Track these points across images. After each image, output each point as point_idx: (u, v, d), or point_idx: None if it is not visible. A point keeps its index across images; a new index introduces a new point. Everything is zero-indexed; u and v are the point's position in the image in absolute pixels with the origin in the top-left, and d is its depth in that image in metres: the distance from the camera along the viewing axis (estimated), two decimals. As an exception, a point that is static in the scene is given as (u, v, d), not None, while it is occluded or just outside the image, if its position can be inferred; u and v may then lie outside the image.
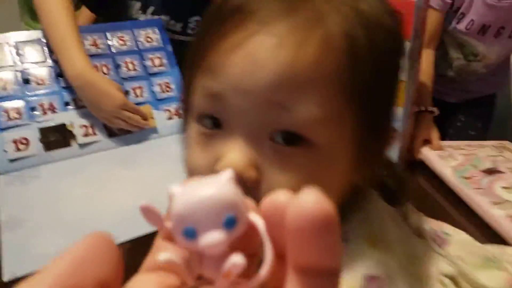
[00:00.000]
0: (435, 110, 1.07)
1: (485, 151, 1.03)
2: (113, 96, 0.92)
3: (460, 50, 1.24)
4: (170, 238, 0.18)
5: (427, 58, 1.11)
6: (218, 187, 0.17)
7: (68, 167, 0.90)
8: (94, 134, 0.95)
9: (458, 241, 0.49)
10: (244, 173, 0.34)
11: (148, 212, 0.18)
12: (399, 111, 0.93)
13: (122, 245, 0.69)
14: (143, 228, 0.68)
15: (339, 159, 0.37)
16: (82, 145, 0.92)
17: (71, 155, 0.91)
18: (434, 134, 1.04)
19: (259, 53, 0.34)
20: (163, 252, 0.17)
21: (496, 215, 0.75)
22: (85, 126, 0.94)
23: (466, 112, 1.40)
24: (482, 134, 1.38)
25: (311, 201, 0.14)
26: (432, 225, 0.50)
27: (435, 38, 1.13)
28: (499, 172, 0.91)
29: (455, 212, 0.83)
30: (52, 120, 0.93)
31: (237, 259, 0.16)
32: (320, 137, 0.35)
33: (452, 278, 0.42)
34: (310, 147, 0.35)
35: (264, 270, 0.16)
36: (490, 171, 0.92)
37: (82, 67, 0.90)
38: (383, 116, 0.40)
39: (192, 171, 0.39)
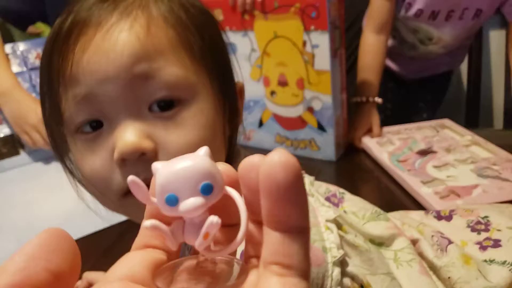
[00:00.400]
0: (379, 100, 1.08)
1: (422, 133, 1.05)
2: (36, 112, 0.94)
3: (414, 35, 1.24)
4: (155, 214, 0.20)
5: (377, 45, 1.11)
6: (195, 159, 0.19)
7: (19, 175, 0.93)
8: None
9: (351, 199, 0.55)
10: (142, 145, 0.38)
11: (135, 186, 0.19)
12: (328, 99, 0.95)
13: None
14: (91, 227, 0.74)
15: (211, 107, 0.42)
16: (30, 153, 0.96)
17: (21, 163, 0.95)
18: (375, 122, 1.06)
19: (107, 44, 0.38)
20: (148, 220, 0.19)
21: (424, 193, 0.78)
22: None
23: (421, 85, 1.41)
24: (431, 107, 1.38)
25: (279, 158, 0.16)
26: (330, 187, 0.56)
27: (386, 26, 1.12)
28: (432, 152, 0.94)
29: (394, 192, 0.86)
30: (1, 131, 0.96)
31: (213, 219, 0.18)
32: (188, 93, 0.40)
33: (336, 222, 0.45)
34: (184, 105, 0.40)
35: (240, 234, 0.18)
36: (424, 152, 0.95)
37: (8, 86, 0.94)
38: (228, 70, 0.47)
39: (94, 177, 0.41)
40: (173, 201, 0.18)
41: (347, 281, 0.41)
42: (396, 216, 0.57)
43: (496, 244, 0.47)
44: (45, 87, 0.43)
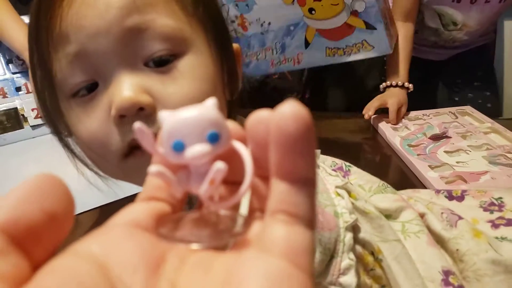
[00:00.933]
0: (410, 86, 1.07)
1: (440, 118, 1.03)
2: None
3: (439, 21, 1.21)
4: (162, 162, 0.19)
5: (405, 32, 1.09)
6: (203, 109, 0.19)
7: (22, 148, 0.92)
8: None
9: (357, 172, 0.53)
10: (140, 99, 0.36)
11: (141, 133, 0.19)
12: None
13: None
14: (88, 203, 0.73)
15: (209, 61, 0.41)
16: (34, 127, 0.95)
17: (24, 137, 0.94)
18: (392, 106, 1.03)
19: None
20: (154, 166, 0.19)
21: (430, 177, 0.76)
22: (36, 109, 0.96)
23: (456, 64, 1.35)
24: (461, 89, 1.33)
25: (291, 109, 0.15)
26: (336, 160, 0.55)
27: (412, 13, 1.10)
28: (446, 137, 0.92)
29: (405, 174, 0.85)
30: (4, 105, 0.95)
31: (219, 165, 0.18)
32: (183, 44, 0.39)
33: (346, 189, 0.44)
34: (180, 58, 0.38)
35: (245, 184, 0.18)
36: (437, 137, 0.92)
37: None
38: (223, 29, 0.45)
39: (92, 141, 0.39)
40: (180, 147, 0.18)
41: (358, 248, 0.40)
42: (404, 194, 0.55)
43: (510, 223, 0.45)
44: (35, 54, 0.41)
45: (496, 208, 0.48)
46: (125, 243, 0.16)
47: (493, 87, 1.33)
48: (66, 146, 0.45)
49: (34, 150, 0.91)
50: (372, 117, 1.05)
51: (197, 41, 0.40)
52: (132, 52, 0.37)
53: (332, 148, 0.96)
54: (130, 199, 0.19)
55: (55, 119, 0.43)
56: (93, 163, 0.44)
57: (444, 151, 0.86)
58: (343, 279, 0.38)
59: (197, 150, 0.18)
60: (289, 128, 0.15)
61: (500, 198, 0.49)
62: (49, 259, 0.15)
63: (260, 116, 0.18)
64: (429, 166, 0.80)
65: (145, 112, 0.36)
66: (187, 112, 0.18)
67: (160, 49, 0.37)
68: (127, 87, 0.36)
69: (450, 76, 1.36)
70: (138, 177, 0.38)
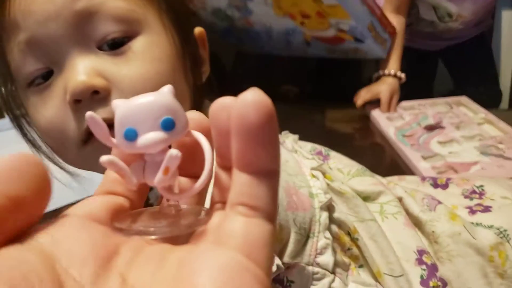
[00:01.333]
0: (402, 76, 1.08)
1: (435, 109, 1.04)
2: None
3: (434, 13, 1.21)
4: (119, 154, 0.19)
5: (398, 24, 1.10)
6: (157, 95, 0.18)
7: (1, 139, 0.92)
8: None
9: (336, 156, 0.55)
10: (93, 82, 0.35)
11: (93, 122, 0.18)
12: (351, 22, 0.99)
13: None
14: (64, 199, 0.74)
15: (166, 41, 0.40)
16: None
17: (5, 127, 0.94)
18: (384, 95, 1.05)
19: None
20: (105, 155, 0.18)
21: (421, 168, 0.78)
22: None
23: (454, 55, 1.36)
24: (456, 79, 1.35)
25: (253, 97, 0.15)
26: (316, 146, 0.56)
27: (404, 6, 1.11)
28: (440, 127, 0.93)
29: (397, 164, 0.86)
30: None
31: (173, 152, 0.17)
32: (136, 25, 0.38)
33: (321, 170, 0.45)
34: (134, 39, 0.38)
35: (204, 173, 0.18)
36: (431, 127, 0.93)
37: None
38: (181, 12, 0.44)
39: (50, 129, 0.39)
40: (132, 136, 0.17)
41: (334, 228, 0.41)
42: (391, 181, 0.57)
43: (486, 209, 0.46)
44: None
45: (477, 196, 0.50)
46: (76, 235, 0.16)
47: (491, 79, 1.34)
48: (30, 141, 0.45)
49: (15, 142, 0.92)
50: (367, 107, 1.06)
51: (151, 22, 0.39)
52: (84, 35, 0.37)
53: (327, 137, 0.98)
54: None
55: (15, 111, 0.42)
56: (54, 152, 0.44)
57: (438, 142, 0.88)
58: (320, 259, 0.39)
59: (149, 137, 0.17)
60: (250, 116, 0.15)
61: (482, 186, 0.51)
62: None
63: (222, 103, 0.17)
64: (422, 156, 0.82)
65: (99, 96, 0.36)
66: (140, 99, 0.18)
67: (113, 31, 0.37)
68: (80, 71, 0.36)
69: (447, 67, 1.37)
70: (98, 165, 0.39)
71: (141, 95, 0.18)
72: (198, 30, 0.46)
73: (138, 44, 0.38)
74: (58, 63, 0.37)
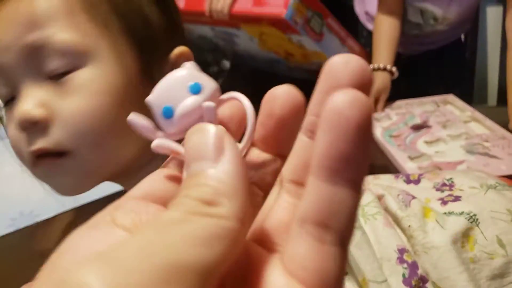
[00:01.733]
0: (394, 70, 1.06)
1: (422, 108, 1.05)
2: None
3: (420, 16, 1.23)
4: (163, 147, 0.19)
5: (391, 24, 1.12)
6: (178, 70, 0.19)
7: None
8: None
9: None
10: (31, 113, 0.38)
11: (134, 124, 0.18)
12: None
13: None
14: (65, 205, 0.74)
15: (117, 73, 0.40)
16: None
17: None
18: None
19: (3, 13, 0.39)
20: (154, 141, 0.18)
21: (408, 168, 0.79)
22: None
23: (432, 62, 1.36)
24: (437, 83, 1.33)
25: (355, 96, 0.13)
26: None
27: (398, 8, 1.13)
28: (427, 127, 0.94)
29: (385, 165, 0.88)
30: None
31: (205, 103, 0.18)
32: (82, 58, 0.39)
33: None
34: (77, 71, 0.39)
35: (246, 136, 0.18)
36: (418, 127, 0.95)
37: None
38: (151, 39, 0.44)
39: (13, 148, 0.42)
40: (170, 113, 0.18)
41: None
42: (367, 180, 0.58)
43: (457, 199, 0.48)
44: None
45: (447, 188, 0.52)
46: None
47: (464, 85, 1.34)
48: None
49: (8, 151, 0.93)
50: None
51: (102, 51, 0.40)
52: (34, 66, 0.39)
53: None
54: (111, 197, 0.19)
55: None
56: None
57: (424, 141, 0.89)
58: None
59: (184, 104, 0.18)
60: (352, 114, 0.13)
61: (451, 178, 0.53)
62: None
63: (274, 93, 0.17)
64: (409, 157, 0.83)
65: (40, 125, 0.38)
66: (163, 80, 0.19)
67: (58, 66, 0.39)
68: (25, 101, 0.38)
69: (423, 74, 1.38)
70: (51, 182, 0.41)
71: (167, 75, 0.19)
72: (178, 50, 0.45)
73: (82, 77, 0.39)
74: (16, 89, 0.40)
